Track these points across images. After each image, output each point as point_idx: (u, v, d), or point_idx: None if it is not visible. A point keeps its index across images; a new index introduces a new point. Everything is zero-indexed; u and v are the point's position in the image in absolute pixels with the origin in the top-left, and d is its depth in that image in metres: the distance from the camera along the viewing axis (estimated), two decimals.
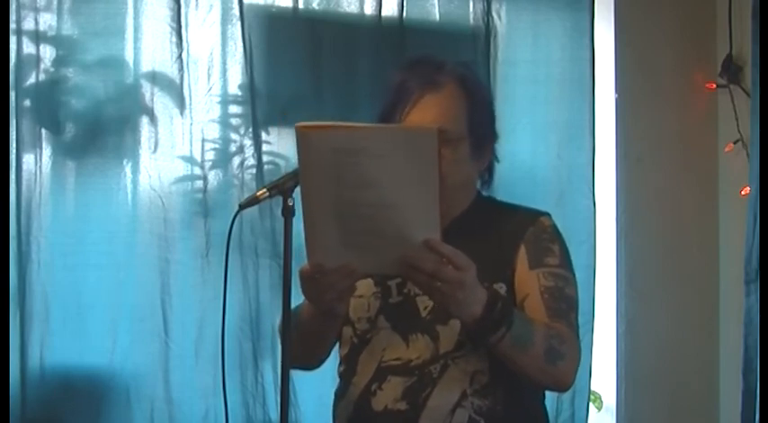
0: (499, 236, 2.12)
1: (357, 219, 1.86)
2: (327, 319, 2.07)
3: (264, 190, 1.96)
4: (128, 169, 3.08)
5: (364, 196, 1.84)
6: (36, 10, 2.99)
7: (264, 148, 3.19)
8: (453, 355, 2.05)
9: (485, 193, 2.24)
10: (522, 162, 3.44)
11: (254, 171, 3.18)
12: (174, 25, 3.11)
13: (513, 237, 2.11)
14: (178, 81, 3.12)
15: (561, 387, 2.10)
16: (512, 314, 1.94)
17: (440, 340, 2.05)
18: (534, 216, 2.16)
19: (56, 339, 2.97)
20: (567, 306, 2.07)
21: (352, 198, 1.85)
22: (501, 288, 2.06)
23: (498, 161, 2.23)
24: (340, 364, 2.19)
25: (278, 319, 2.07)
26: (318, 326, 2.08)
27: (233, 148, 3.20)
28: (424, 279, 1.87)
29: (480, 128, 2.13)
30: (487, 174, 2.22)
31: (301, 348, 2.06)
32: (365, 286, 2.14)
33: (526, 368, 1.99)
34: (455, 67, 2.16)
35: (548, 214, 2.18)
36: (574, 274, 2.13)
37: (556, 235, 2.15)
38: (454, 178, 2.08)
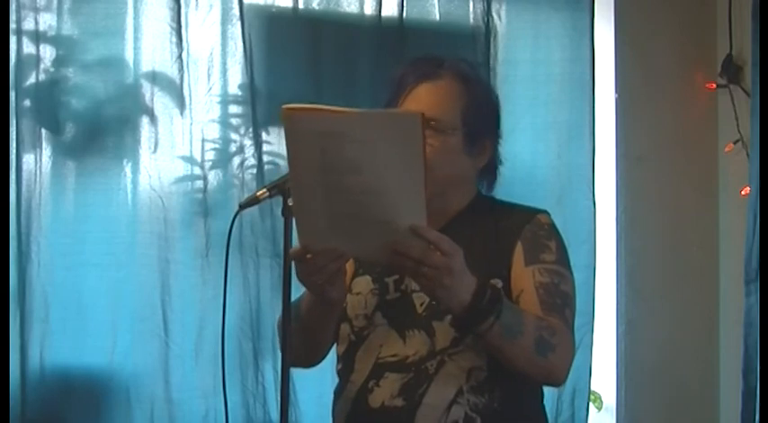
0: (497, 233, 2.12)
1: (344, 203, 1.86)
2: (325, 307, 2.06)
3: (264, 190, 1.97)
4: (128, 169, 3.08)
5: (350, 181, 1.84)
6: (36, 10, 3.00)
7: (264, 148, 3.19)
8: (449, 352, 2.04)
9: (486, 193, 2.24)
10: (522, 162, 3.45)
11: (254, 171, 3.19)
12: (174, 25, 3.11)
13: (510, 234, 2.11)
14: (178, 81, 3.13)
15: (553, 381, 2.08)
16: (501, 303, 1.93)
17: (436, 336, 2.05)
18: (532, 214, 2.16)
19: (56, 339, 2.98)
20: (562, 302, 2.06)
21: (338, 182, 1.84)
22: (497, 284, 2.05)
23: (502, 163, 2.22)
24: (338, 362, 2.19)
25: (278, 316, 2.06)
26: (317, 316, 2.08)
27: (233, 148, 3.20)
28: (411, 265, 1.87)
29: (476, 122, 2.12)
30: (489, 174, 2.21)
31: (301, 342, 2.06)
32: (363, 283, 2.15)
33: (515, 359, 1.98)
34: (454, 63, 2.16)
35: (546, 212, 2.18)
36: (571, 272, 2.12)
37: (553, 232, 2.15)
38: (445, 170, 2.08)
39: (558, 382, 2.08)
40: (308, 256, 1.92)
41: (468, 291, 1.90)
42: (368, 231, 1.87)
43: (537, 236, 2.11)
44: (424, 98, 2.10)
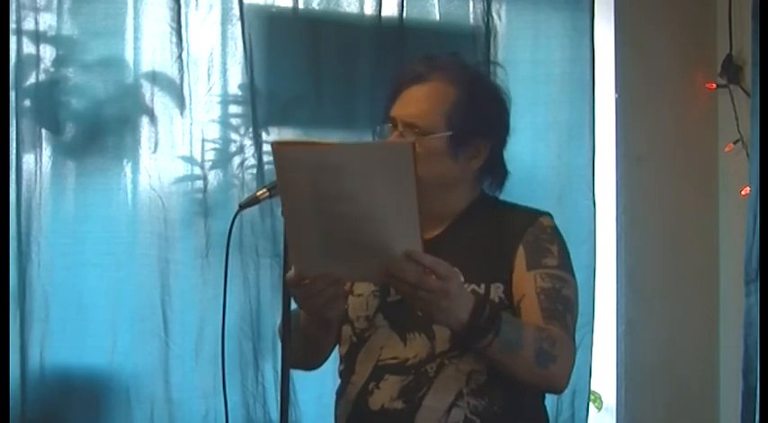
0: (498, 236, 2.10)
1: (338, 231, 1.86)
2: (323, 325, 2.07)
3: (264, 190, 1.97)
4: (128, 169, 3.08)
5: (344, 210, 1.84)
6: (36, 10, 3.00)
7: (264, 148, 3.19)
8: (450, 355, 2.04)
9: (491, 194, 2.22)
10: (522, 162, 3.43)
11: (254, 171, 3.19)
12: (174, 25, 3.11)
13: (512, 237, 2.09)
14: (178, 81, 3.13)
15: (554, 390, 2.08)
16: (500, 319, 1.93)
17: (436, 339, 2.04)
18: (534, 216, 2.15)
19: (56, 339, 2.98)
20: (564, 308, 2.05)
21: (331, 212, 1.84)
22: (498, 288, 2.05)
23: (504, 162, 2.21)
24: (340, 362, 2.19)
25: (279, 321, 2.06)
26: (315, 329, 2.08)
27: (233, 148, 3.20)
28: (408, 289, 1.86)
29: (465, 123, 2.08)
30: (491, 175, 2.19)
31: (301, 350, 2.06)
32: (364, 285, 2.14)
33: (516, 371, 1.98)
34: (446, 64, 2.14)
35: (548, 214, 2.17)
36: (573, 276, 2.11)
37: (556, 235, 2.13)
38: (426, 172, 2.01)
39: (559, 390, 2.08)
40: (305, 281, 1.92)
41: (466, 310, 1.89)
42: (363, 257, 1.87)
43: (539, 239, 2.10)
44: (408, 103, 2.09)
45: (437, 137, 2.06)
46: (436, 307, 1.87)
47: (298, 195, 1.86)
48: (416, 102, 2.09)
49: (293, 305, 1.99)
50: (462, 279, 1.95)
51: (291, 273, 1.92)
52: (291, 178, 1.85)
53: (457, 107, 2.09)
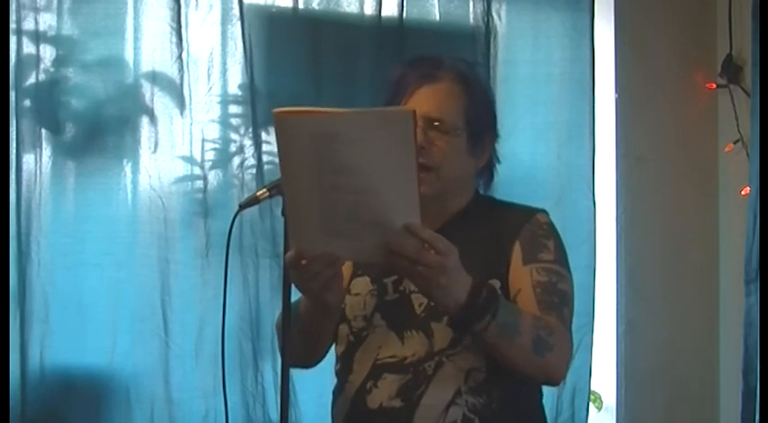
0: (496, 233, 2.12)
1: (337, 205, 1.85)
2: (323, 312, 2.06)
3: (264, 190, 1.97)
4: (128, 169, 3.08)
5: (343, 182, 1.83)
6: (36, 10, 3.00)
7: (264, 148, 3.19)
8: (448, 353, 2.04)
9: (483, 193, 2.24)
10: (522, 162, 3.45)
11: (254, 171, 3.19)
12: (174, 25, 3.11)
13: (508, 233, 2.11)
14: (178, 81, 3.13)
15: (551, 380, 2.08)
16: (497, 302, 1.93)
17: (434, 338, 2.05)
18: (530, 213, 2.16)
19: (56, 339, 2.98)
20: (560, 301, 2.06)
21: (331, 184, 1.84)
22: (496, 284, 2.06)
23: (499, 162, 2.23)
24: (337, 362, 2.19)
25: (277, 315, 2.06)
26: (315, 320, 2.08)
27: (233, 148, 3.20)
28: (406, 264, 1.86)
29: (478, 123, 2.13)
30: (487, 173, 2.22)
31: (300, 344, 2.06)
32: (361, 284, 2.15)
33: (512, 358, 1.98)
34: (454, 63, 2.17)
35: (544, 211, 2.19)
36: (569, 271, 2.13)
37: (551, 231, 2.15)
38: (450, 171, 2.09)
39: (555, 381, 2.08)
40: (303, 261, 1.91)
41: (464, 290, 1.89)
42: (362, 232, 1.86)
43: (535, 235, 2.12)
44: (426, 100, 2.10)
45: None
46: (434, 283, 1.86)
47: (298, 167, 1.85)
48: (435, 100, 2.10)
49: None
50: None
51: (290, 253, 1.91)
52: (292, 148, 1.85)
53: (470, 105, 2.12)
